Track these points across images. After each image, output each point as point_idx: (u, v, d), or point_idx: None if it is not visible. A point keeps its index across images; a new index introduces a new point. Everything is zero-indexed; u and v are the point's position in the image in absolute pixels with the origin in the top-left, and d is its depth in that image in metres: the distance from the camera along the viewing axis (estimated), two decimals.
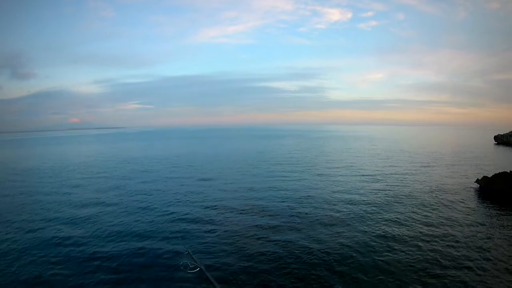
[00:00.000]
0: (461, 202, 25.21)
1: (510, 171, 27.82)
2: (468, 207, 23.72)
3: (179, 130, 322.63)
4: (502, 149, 74.91)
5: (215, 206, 24.12)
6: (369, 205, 24.03)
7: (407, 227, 19.30)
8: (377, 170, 40.97)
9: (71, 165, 49.70)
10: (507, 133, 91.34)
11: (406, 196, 27.12)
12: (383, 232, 18.56)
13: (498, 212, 22.53)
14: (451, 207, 23.81)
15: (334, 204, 24.23)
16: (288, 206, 23.95)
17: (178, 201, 25.67)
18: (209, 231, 18.72)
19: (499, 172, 28.39)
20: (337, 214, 21.77)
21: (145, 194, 28.58)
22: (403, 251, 15.91)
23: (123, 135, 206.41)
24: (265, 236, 17.91)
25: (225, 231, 18.78)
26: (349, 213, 22.05)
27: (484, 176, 29.79)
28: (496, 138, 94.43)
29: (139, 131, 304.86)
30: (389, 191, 28.72)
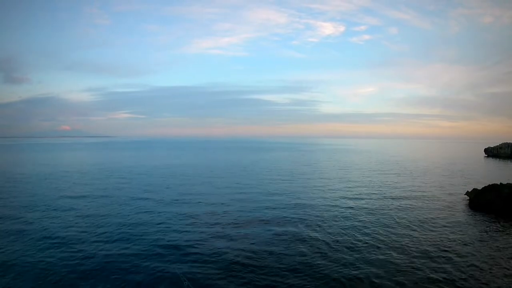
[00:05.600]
0: (451, 214, 24.48)
1: (500, 183, 27.12)
2: (457, 219, 22.93)
3: (171, 141, 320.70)
4: (492, 161, 74.95)
5: (205, 226, 21.94)
6: (359, 217, 22.94)
7: (396, 238, 18.26)
8: (367, 183, 40.16)
9: (50, 176, 47.84)
10: (496, 145, 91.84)
11: (396, 208, 26.16)
12: (371, 242, 17.50)
13: (487, 224, 21.85)
14: (441, 219, 22.97)
15: (326, 219, 22.95)
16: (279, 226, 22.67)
17: (167, 222, 22.24)
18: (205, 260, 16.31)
19: (489, 185, 27.71)
20: (329, 229, 20.45)
21: (132, 210, 25.45)
22: (391, 261, 14.97)
23: (113, 145, 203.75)
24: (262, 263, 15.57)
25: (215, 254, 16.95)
26: (340, 227, 20.90)
27: (474, 189, 29.10)
28: (486, 150, 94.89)
29: (130, 141, 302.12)
30: (379, 204, 27.68)
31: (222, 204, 27.11)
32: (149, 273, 14.11)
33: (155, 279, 13.65)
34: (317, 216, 23.38)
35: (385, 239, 18.56)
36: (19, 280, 13.52)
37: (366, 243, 17.95)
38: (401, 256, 16.13)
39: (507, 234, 19.69)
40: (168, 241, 18.15)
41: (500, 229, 20.56)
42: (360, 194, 32.12)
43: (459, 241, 18.31)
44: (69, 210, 25.05)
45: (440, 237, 19.03)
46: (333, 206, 26.67)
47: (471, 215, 24.51)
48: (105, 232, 19.51)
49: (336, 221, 22.22)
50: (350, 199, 29.64)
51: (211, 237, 18.69)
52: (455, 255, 16.27)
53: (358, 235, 19.21)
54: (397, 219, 22.92)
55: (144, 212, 24.47)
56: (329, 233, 19.49)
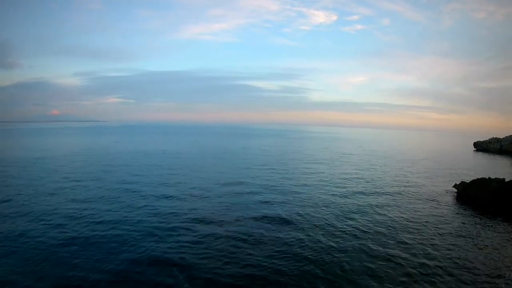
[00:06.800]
0: (437, 206, 24.09)
1: (489, 177, 26.65)
2: (444, 212, 22.53)
3: (160, 125, 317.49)
4: (481, 155, 75.13)
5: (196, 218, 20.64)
6: (344, 209, 22.25)
7: (377, 230, 17.60)
8: (355, 174, 39.50)
9: (38, 161, 46.34)
10: (486, 140, 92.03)
11: (382, 199, 25.58)
12: (356, 237, 16.87)
13: (473, 217, 21.47)
14: (427, 211, 22.55)
15: (313, 212, 22.19)
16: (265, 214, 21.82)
17: (150, 212, 21.27)
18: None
19: (477, 178, 27.28)
20: (316, 222, 19.74)
21: (119, 206, 23.16)
22: (369, 254, 14.44)
23: (102, 129, 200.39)
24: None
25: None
26: (325, 219, 20.16)
27: (462, 182, 28.66)
28: (475, 144, 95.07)
29: (119, 126, 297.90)
30: (365, 194, 27.07)
31: (208, 196, 25.91)
32: (144, 274, 12.99)
33: (152, 280, 12.65)
34: (300, 212, 22.44)
35: (365, 233, 17.89)
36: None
37: (345, 236, 17.28)
38: (380, 248, 15.57)
39: (493, 229, 19.23)
40: (157, 243, 17.18)
41: (487, 224, 20.09)
42: (345, 185, 31.44)
43: (443, 235, 17.82)
44: (54, 203, 23.95)
45: (424, 230, 18.51)
46: (317, 198, 25.96)
47: (458, 208, 24.09)
48: (92, 234, 18.25)
49: (319, 215, 21.50)
50: (334, 190, 28.93)
51: (199, 235, 17.79)
52: (437, 249, 15.74)
53: (337, 225, 18.55)
54: (381, 208, 22.36)
55: (131, 207, 22.13)
56: (310, 229, 18.78)
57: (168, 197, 24.35)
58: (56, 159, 45.05)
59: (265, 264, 13.76)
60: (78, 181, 29.49)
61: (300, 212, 21.13)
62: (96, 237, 16.25)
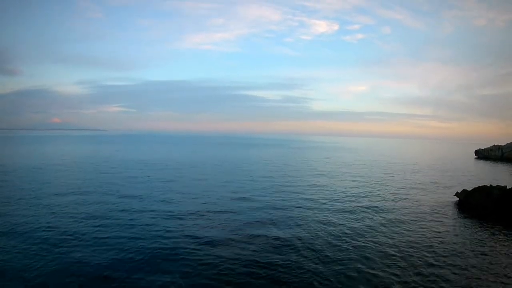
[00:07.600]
0: (439, 215, 23.88)
1: (490, 185, 26.55)
2: (446, 220, 22.36)
3: (162, 135, 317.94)
4: (482, 163, 74.92)
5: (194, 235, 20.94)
6: (345, 220, 22.12)
7: (383, 239, 17.42)
8: (356, 185, 39.42)
9: (37, 170, 46.36)
10: (487, 147, 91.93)
11: (384, 207, 25.44)
12: (358, 245, 16.66)
13: (475, 225, 21.35)
14: (429, 219, 22.36)
15: (312, 224, 21.98)
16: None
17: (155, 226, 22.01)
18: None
19: (478, 186, 27.20)
20: (316, 236, 19.54)
21: (119, 214, 24.20)
22: (378, 265, 14.08)
23: (104, 138, 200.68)
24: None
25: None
26: (326, 230, 20.01)
27: (463, 190, 28.53)
28: (477, 152, 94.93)
29: (120, 134, 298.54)
30: (367, 203, 26.90)
31: (210, 204, 25.99)
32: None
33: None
34: (299, 230, 22.18)
35: (363, 243, 17.69)
36: None
37: (341, 251, 17.11)
38: (379, 259, 15.28)
39: (495, 237, 19.07)
40: (159, 247, 17.01)
41: (489, 232, 19.93)
42: (346, 197, 31.29)
43: (445, 243, 17.63)
44: (52, 207, 23.88)
45: (426, 238, 18.33)
46: (317, 213, 25.71)
47: (459, 216, 23.93)
48: (87, 238, 18.32)
49: (319, 232, 21.30)
50: (335, 204, 28.73)
51: (202, 244, 17.30)
52: (438, 258, 15.54)
53: (332, 240, 18.39)
54: (383, 216, 22.23)
55: (130, 220, 21.77)
56: (308, 249, 18.56)
57: (168, 213, 23.18)
58: (56, 167, 45.02)
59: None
60: (77, 192, 29.38)
61: (299, 230, 20.10)
62: (93, 247, 16.16)
